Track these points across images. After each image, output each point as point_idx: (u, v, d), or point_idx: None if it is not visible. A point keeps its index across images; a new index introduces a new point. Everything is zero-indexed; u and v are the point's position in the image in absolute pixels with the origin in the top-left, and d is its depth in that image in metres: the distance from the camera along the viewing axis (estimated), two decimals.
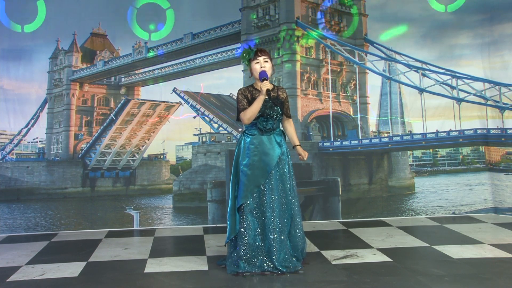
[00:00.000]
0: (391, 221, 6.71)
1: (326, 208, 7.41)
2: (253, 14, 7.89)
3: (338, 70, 8.14)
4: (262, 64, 4.44)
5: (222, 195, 7.31)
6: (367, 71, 8.08)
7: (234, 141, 7.92)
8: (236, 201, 4.44)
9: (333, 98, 8.12)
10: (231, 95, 7.95)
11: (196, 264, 4.77)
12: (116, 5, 7.45)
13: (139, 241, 6.01)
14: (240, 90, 4.50)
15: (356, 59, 8.01)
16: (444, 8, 7.55)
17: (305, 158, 4.55)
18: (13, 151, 7.82)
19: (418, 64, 7.77)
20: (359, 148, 8.01)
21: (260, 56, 4.45)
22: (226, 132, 8.08)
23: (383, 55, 7.90)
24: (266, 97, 4.37)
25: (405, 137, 7.95)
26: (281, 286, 4.10)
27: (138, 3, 7.39)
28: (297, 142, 4.62)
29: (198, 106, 7.88)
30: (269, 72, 4.46)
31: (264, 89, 4.33)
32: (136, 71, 8.21)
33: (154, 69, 8.15)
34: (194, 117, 7.91)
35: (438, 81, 7.78)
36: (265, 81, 4.35)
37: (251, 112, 4.35)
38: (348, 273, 4.36)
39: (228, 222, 4.49)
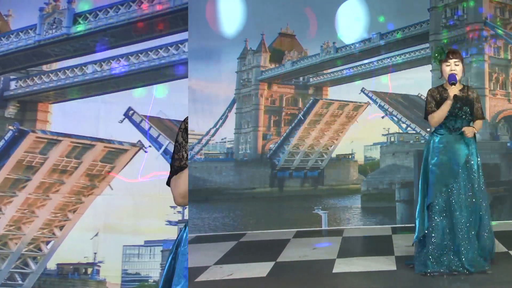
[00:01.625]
0: None
1: None
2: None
3: None
4: (453, 67, 4.36)
5: (411, 195, 7.26)
6: None
7: (422, 142, 7.87)
8: (425, 200, 4.44)
9: None
10: (419, 95, 7.90)
11: (384, 264, 4.63)
12: (303, 4, 7.41)
13: (327, 241, 6.00)
14: (429, 90, 4.43)
15: None
16: None
17: (468, 135, 4.32)
18: (201, 151, 7.85)
19: None
20: None
21: (451, 59, 4.38)
22: (414, 132, 8.02)
23: None
24: (453, 101, 4.36)
25: None
26: (469, 286, 3.99)
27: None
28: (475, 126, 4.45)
29: (386, 106, 7.85)
30: (459, 75, 4.38)
31: (451, 95, 4.30)
32: (324, 71, 8.19)
33: (342, 69, 8.13)
34: (383, 117, 7.88)
35: None
36: (453, 86, 4.34)
37: (438, 116, 4.30)
38: None
39: (416, 222, 4.43)
